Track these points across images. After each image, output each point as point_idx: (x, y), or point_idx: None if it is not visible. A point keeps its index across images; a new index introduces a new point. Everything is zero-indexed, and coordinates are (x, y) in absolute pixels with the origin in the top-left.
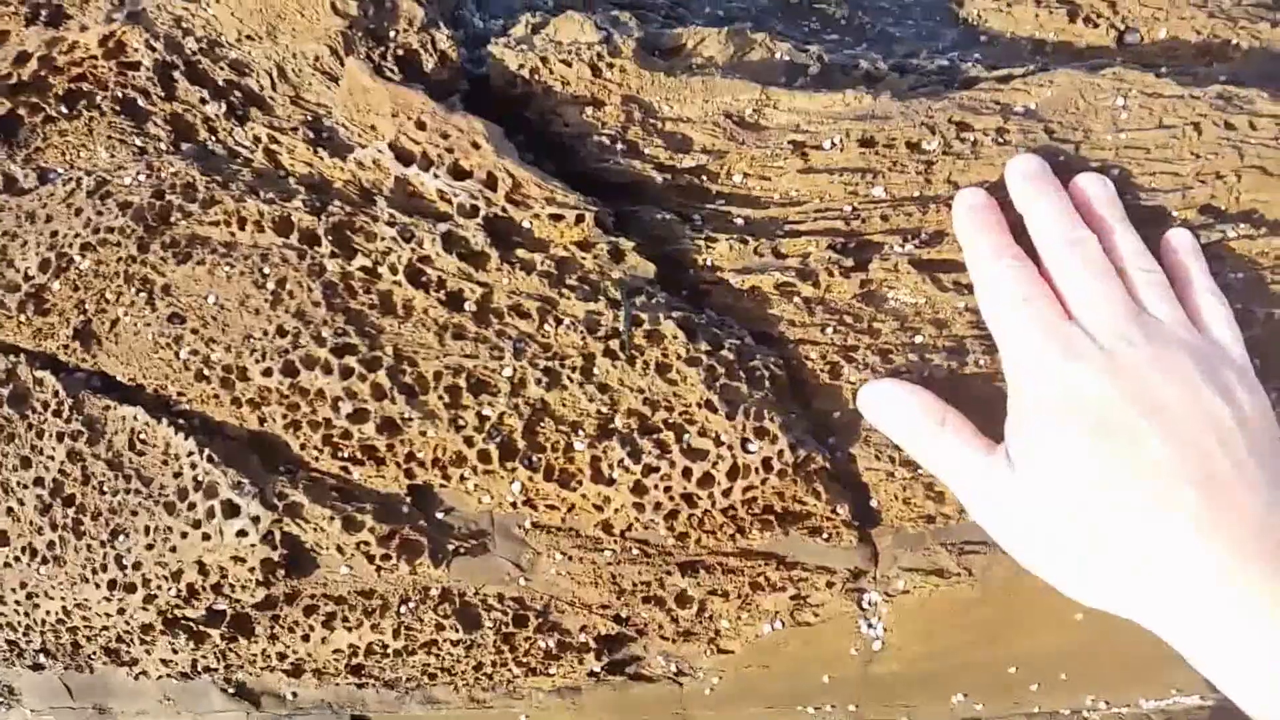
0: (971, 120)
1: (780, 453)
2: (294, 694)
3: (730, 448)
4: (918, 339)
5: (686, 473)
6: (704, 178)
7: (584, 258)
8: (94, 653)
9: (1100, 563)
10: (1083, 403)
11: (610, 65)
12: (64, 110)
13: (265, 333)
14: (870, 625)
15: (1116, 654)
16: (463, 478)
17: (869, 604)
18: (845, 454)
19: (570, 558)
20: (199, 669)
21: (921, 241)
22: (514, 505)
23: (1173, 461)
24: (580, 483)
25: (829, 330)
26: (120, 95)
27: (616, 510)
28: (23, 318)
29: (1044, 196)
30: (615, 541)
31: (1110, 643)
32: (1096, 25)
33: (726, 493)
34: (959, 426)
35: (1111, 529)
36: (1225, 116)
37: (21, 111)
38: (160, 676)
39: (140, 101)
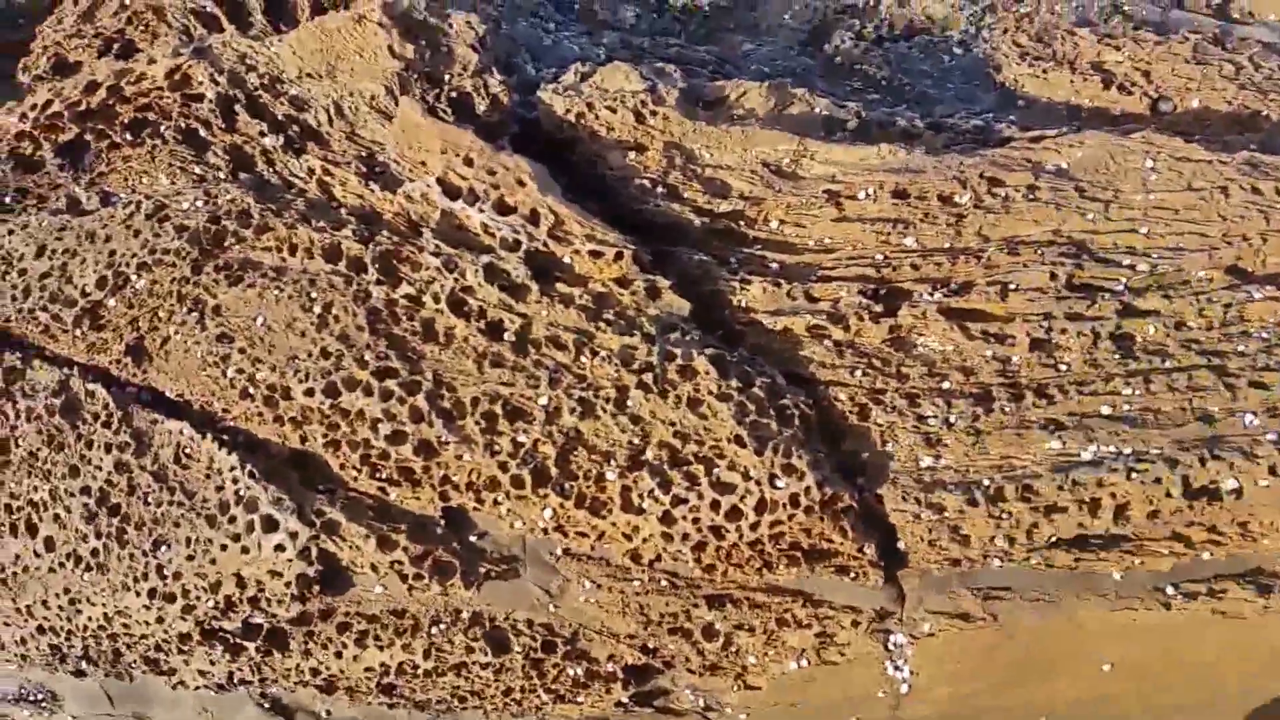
0: (1003, 176)
1: (808, 490)
2: (327, 711)
3: (758, 483)
4: (945, 385)
5: (715, 505)
6: (741, 223)
7: (621, 294)
8: (134, 661)
9: None
10: None
11: (654, 113)
12: (129, 137)
13: (310, 354)
14: (897, 667)
15: (1144, 704)
16: (496, 502)
17: (895, 645)
18: (873, 494)
19: (600, 586)
20: (235, 681)
21: (951, 290)
22: (545, 531)
23: None
24: (610, 511)
25: (858, 373)
26: (183, 125)
27: (645, 540)
28: (78, 332)
29: None
30: (644, 571)
31: (1138, 693)
32: (1130, 93)
33: (754, 526)
34: None
35: None
36: (1253, 181)
37: (89, 137)
38: (197, 687)
39: (202, 132)
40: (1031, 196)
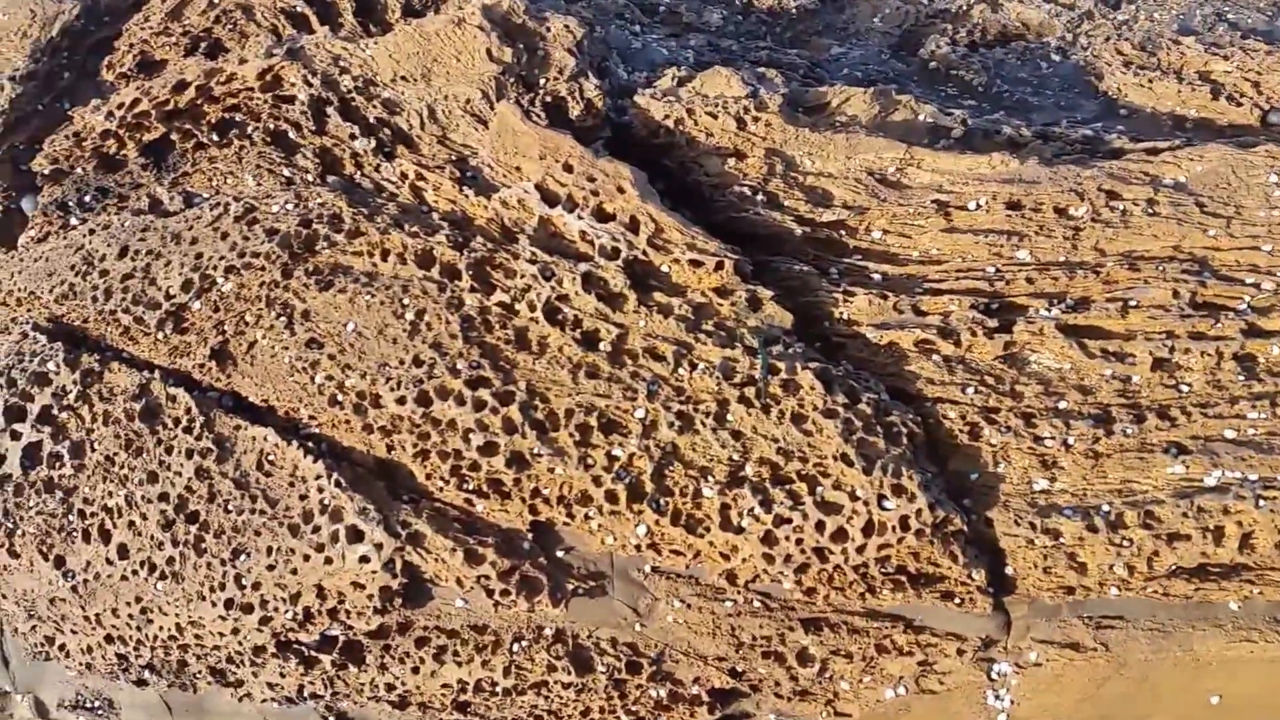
0: (1121, 189)
1: (919, 512)
2: None
3: (866, 503)
4: (1062, 404)
5: (820, 526)
6: (842, 232)
7: (721, 304)
8: (200, 671)
9: None
10: None
11: (756, 119)
12: (215, 138)
13: (401, 362)
14: (998, 697)
15: None
16: (587, 517)
17: (998, 675)
18: (982, 517)
19: (690, 606)
20: (305, 695)
21: (1068, 307)
22: (638, 548)
23: None
24: (708, 529)
25: (969, 390)
26: (272, 127)
27: (744, 560)
28: (160, 335)
29: None
30: (738, 592)
31: None
32: (1240, 104)
33: (860, 549)
34: None
35: None
36: None
37: (174, 137)
38: (265, 700)
39: (291, 134)
40: (1151, 211)
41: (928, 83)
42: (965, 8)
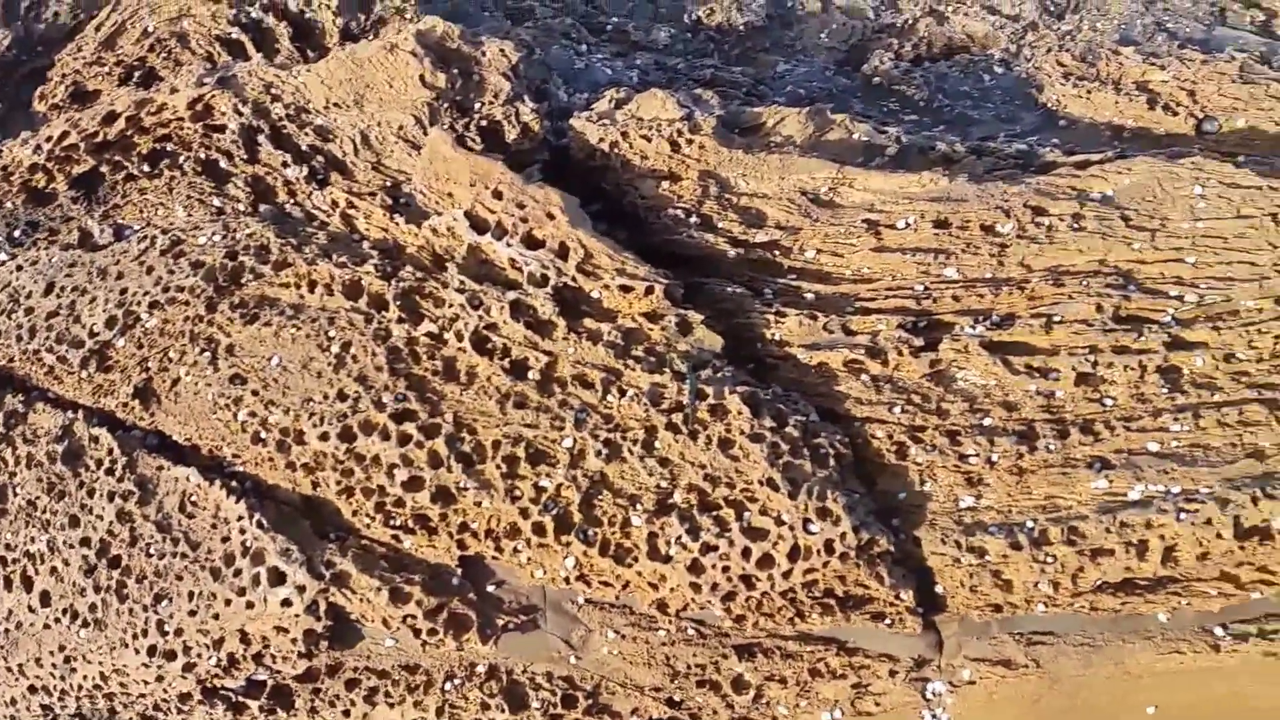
0: (1048, 205)
1: (843, 535)
2: None
3: (792, 528)
4: (987, 421)
5: (746, 553)
6: (776, 252)
7: (651, 329)
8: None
9: None
10: None
11: (690, 141)
12: (146, 169)
13: (326, 396)
14: (934, 716)
15: None
16: (516, 550)
17: (933, 694)
18: (910, 537)
19: (624, 636)
20: None
21: (993, 323)
22: (567, 580)
23: None
24: (636, 559)
25: (896, 409)
26: (203, 156)
27: (673, 589)
28: (84, 374)
29: None
30: (670, 621)
31: None
32: (1175, 113)
33: (787, 574)
34: None
35: None
36: None
37: (104, 169)
38: None
39: (223, 163)
40: (1077, 226)
41: (871, 98)
42: (911, 22)
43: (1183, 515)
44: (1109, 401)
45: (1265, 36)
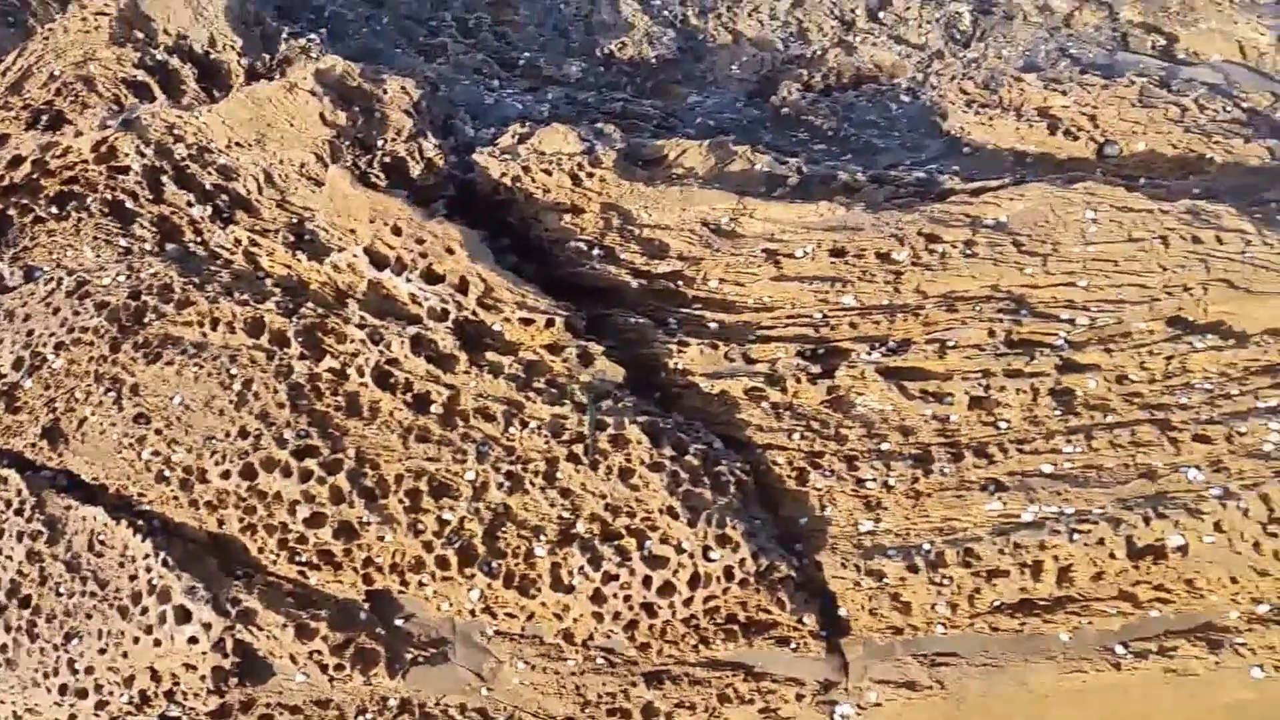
0: (941, 232)
1: (742, 561)
2: None
3: (692, 555)
4: (884, 445)
5: (647, 581)
6: (679, 282)
7: (553, 361)
8: None
9: None
10: None
11: (591, 175)
12: (54, 211)
13: (227, 434)
14: None
15: None
16: (421, 584)
17: (841, 717)
18: (812, 561)
19: (534, 667)
20: None
21: (889, 349)
22: (473, 613)
23: None
24: (540, 590)
25: (796, 436)
26: (109, 198)
27: (576, 619)
28: None
29: None
30: (578, 651)
31: None
32: (1076, 138)
33: (688, 602)
34: None
35: None
36: (1193, 230)
37: (12, 212)
38: None
39: (128, 204)
40: (969, 252)
41: (780, 128)
42: (820, 53)
43: (1076, 536)
44: (1003, 424)
45: (1166, 61)
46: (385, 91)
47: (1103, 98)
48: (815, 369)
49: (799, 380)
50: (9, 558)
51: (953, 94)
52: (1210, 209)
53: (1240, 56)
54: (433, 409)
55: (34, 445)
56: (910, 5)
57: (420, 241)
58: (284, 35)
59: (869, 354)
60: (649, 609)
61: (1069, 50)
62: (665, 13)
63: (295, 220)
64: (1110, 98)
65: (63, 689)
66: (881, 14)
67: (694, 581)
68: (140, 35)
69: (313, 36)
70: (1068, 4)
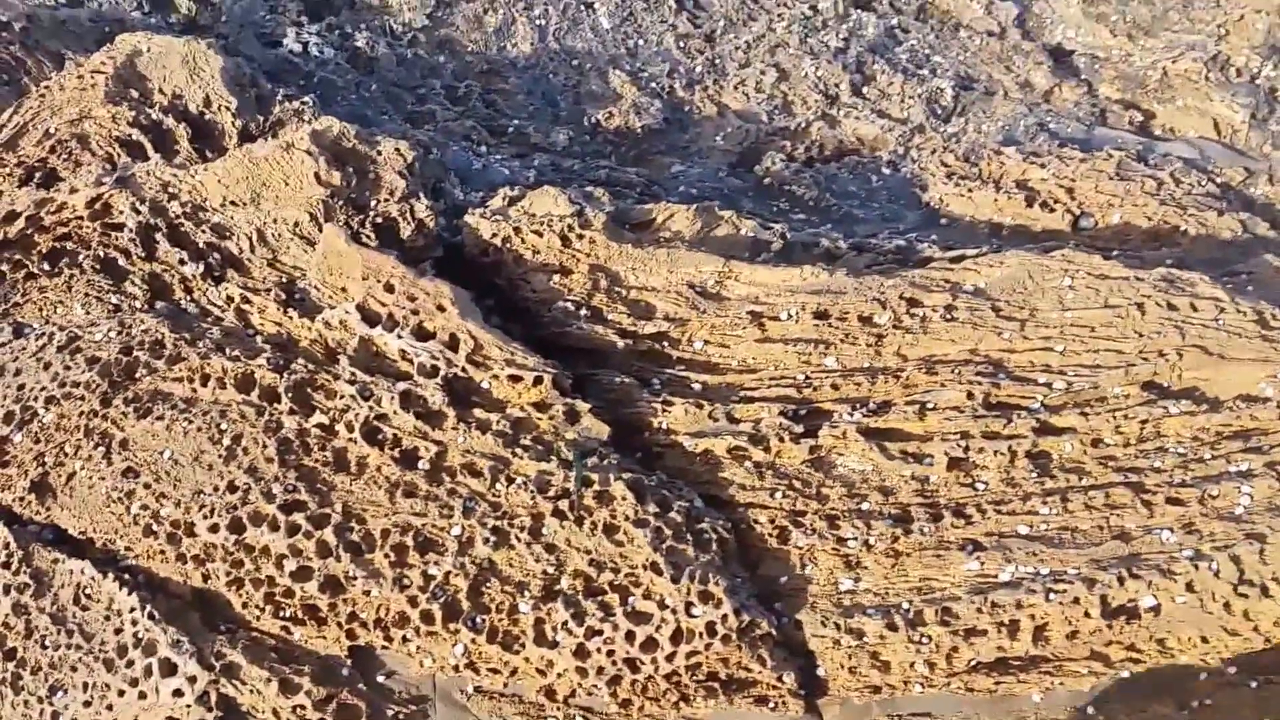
0: (922, 297)
1: (724, 617)
2: None
3: (674, 611)
4: (864, 505)
5: (630, 636)
6: (665, 343)
7: (540, 418)
8: None
9: None
10: None
11: (580, 236)
12: (46, 267)
13: (216, 488)
14: None
15: None
16: (406, 639)
17: None
18: (792, 620)
19: None
20: None
21: (870, 410)
22: (456, 669)
23: None
24: (524, 645)
25: (778, 495)
26: (102, 254)
27: (559, 675)
28: None
29: None
30: (559, 708)
31: None
32: (1053, 210)
33: (670, 658)
34: None
35: None
36: (1168, 297)
37: (4, 268)
38: None
39: (121, 261)
40: (949, 316)
41: (762, 197)
42: (804, 125)
43: (1052, 595)
44: (981, 485)
45: (1143, 136)
46: (379, 153)
47: (1080, 171)
48: (798, 429)
49: (782, 440)
50: None
51: (933, 166)
52: (1184, 277)
53: (1215, 133)
54: (420, 464)
55: (22, 499)
56: (893, 81)
57: (412, 299)
58: (278, 97)
59: (850, 415)
60: (632, 664)
61: (1048, 125)
62: (653, 84)
63: (286, 279)
64: (1088, 171)
65: None
66: (865, 89)
67: (676, 637)
68: (136, 94)
69: (306, 99)
70: (1047, 81)
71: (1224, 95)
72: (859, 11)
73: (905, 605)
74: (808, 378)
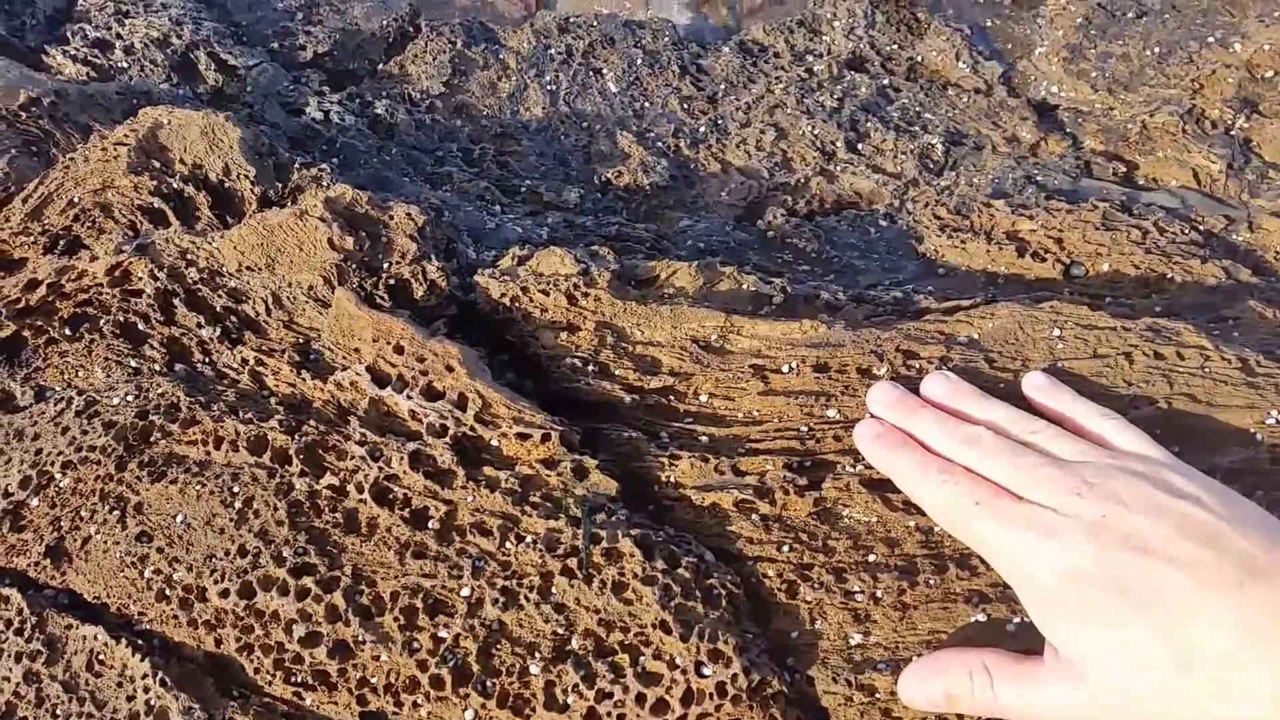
0: (918, 349)
1: (734, 677)
2: None
3: (685, 672)
4: (871, 557)
5: (640, 699)
6: (671, 397)
7: (548, 475)
8: None
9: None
10: (1086, 577)
11: (585, 294)
12: (67, 333)
13: (227, 552)
14: None
15: None
16: (416, 704)
17: None
18: (803, 676)
19: None
20: None
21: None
22: None
23: (1194, 580)
24: (534, 710)
25: (785, 548)
26: (121, 320)
27: None
28: None
29: (917, 415)
30: None
31: None
32: (1044, 260)
33: (681, 719)
34: (1003, 666)
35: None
36: (1155, 347)
37: (26, 334)
38: None
39: (140, 325)
40: (944, 368)
41: (767, 250)
42: (804, 180)
43: None
44: None
45: (1127, 187)
46: (391, 217)
47: (1068, 222)
48: (802, 481)
49: (787, 492)
50: (6, 678)
51: (927, 219)
52: (1170, 326)
53: (1195, 183)
54: (430, 524)
55: (38, 564)
56: (886, 137)
57: (421, 360)
58: (296, 164)
59: (853, 466)
60: None
61: (1036, 178)
62: (659, 144)
63: (301, 340)
64: (1075, 222)
65: None
66: (860, 145)
67: (687, 699)
68: (157, 164)
69: (324, 166)
70: (1033, 135)
71: (1201, 147)
72: (851, 72)
73: (915, 659)
74: (810, 429)
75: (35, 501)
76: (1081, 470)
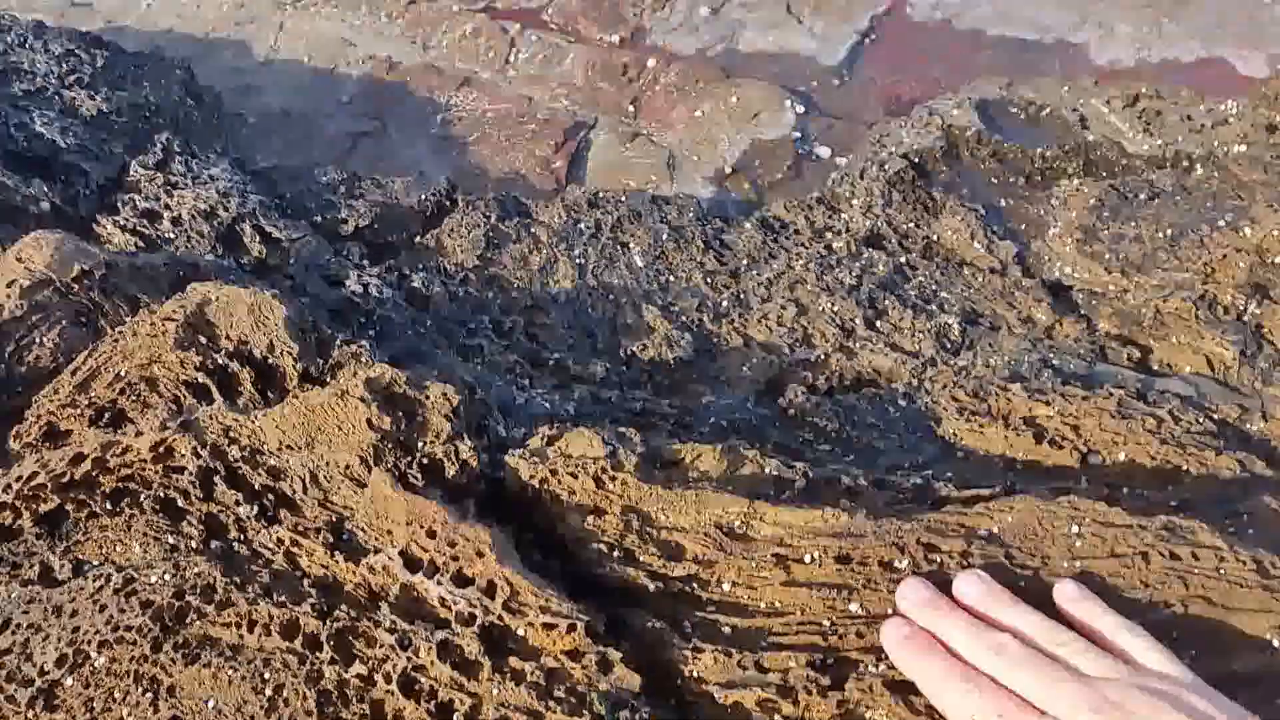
0: (938, 542)
1: None
2: None
3: None
4: None
5: None
6: (695, 585)
7: (573, 668)
8: None
9: None
10: None
11: (613, 478)
12: (108, 507)
13: None
14: None
15: None
16: None
17: None
18: None
19: None
20: None
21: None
22: None
23: None
24: None
25: None
26: (162, 495)
27: None
28: (30, 714)
29: (948, 618)
30: None
31: None
32: (1061, 447)
33: None
34: None
35: None
36: (1170, 547)
37: (69, 507)
38: None
39: (180, 501)
40: (965, 562)
41: (787, 427)
42: (824, 356)
43: None
44: None
45: (1141, 372)
46: (428, 397)
47: (1084, 409)
48: (825, 680)
49: (810, 692)
50: None
51: (945, 401)
52: (1185, 525)
53: (1209, 369)
54: (455, 718)
55: None
56: (904, 315)
57: (452, 544)
58: (337, 341)
59: (876, 666)
60: None
61: (1051, 361)
62: (683, 318)
63: (335, 519)
64: (1091, 409)
65: None
66: (878, 323)
67: None
68: (203, 340)
69: (363, 342)
70: (1048, 317)
71: (1214, 333)
72: (869, 250)
73: None
74: (833, 624)
75: (70, 681)
76: (1104, 689)
